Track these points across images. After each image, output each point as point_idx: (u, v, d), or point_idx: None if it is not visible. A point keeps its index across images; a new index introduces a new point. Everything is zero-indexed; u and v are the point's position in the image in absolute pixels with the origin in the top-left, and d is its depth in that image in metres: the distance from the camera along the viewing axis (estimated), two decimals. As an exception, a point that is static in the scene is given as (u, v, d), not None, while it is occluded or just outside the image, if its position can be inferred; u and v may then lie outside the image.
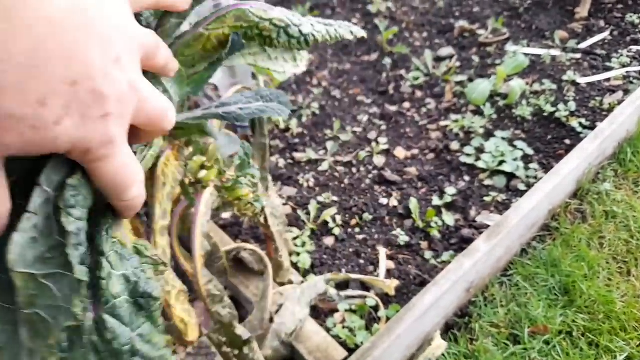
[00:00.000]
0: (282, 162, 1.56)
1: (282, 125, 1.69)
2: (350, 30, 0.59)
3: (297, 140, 1.63)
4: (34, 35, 0.23)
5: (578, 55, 1.75)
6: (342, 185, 1.43)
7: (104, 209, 0.31)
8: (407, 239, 1.24)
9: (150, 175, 0.62)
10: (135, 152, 0.41)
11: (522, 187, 1.31)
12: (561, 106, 1.52)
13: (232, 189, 0.77)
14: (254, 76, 1.46)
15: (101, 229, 0.30)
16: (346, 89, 1.83)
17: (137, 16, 0.41)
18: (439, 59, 1.87)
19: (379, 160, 1.48)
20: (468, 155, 1.42)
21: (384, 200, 1.36)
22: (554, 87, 1.61)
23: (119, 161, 0.28)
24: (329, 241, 1.29)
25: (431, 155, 1.47)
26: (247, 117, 0.52)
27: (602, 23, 1.92)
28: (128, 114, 0.28)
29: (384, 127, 1.62)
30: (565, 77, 1.64)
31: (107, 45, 0.26)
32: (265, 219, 0.99)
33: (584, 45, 1.81)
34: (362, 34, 0.62)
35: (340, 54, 2.03)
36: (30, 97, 0.23)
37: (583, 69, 1.69)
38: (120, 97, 0.27)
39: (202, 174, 0.71)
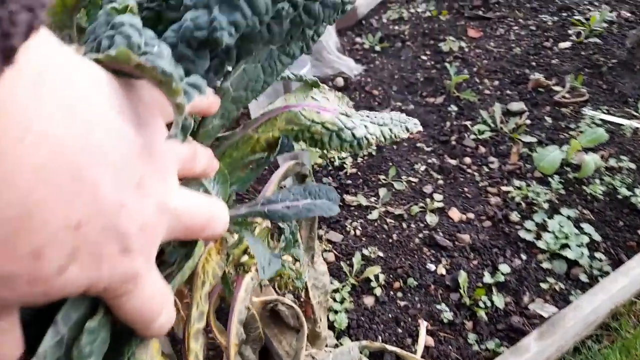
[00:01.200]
0: (331, 203, 1.52)
1: (337, 163, 1.65)
2: (405, 126, 0.55)
3: (349, 181, 1.59)
4: (23, 180, 0.18)
5: (663, 132, 1.62)
6: (390, 240, 1.38)
7: (127, 332, 0.28)
8: (451, 315, 1.18)
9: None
10: (173, 262, 0.38)
11: (584, 277, 1.22)
12: (638, 191, 1.40)
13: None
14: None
15: (124, 357, 0.28)
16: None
17: None
18: (508, 113, 1.78)
19: (432, 218, 1.42)
20: (528, 230, 1.34)
21: (431, 266, 1.30)
22: (633, 166, 1.50)
23: (146, 294, 0.25)
24: (368, 301, 1.24)
25: (488, 223, 1.40)
26: (294, 216, 0.49)
27: (693, 97, 1.78)
28: (157, 240, 0.25)
29: (441, 182, 1.55)
30: (644, 156, 1.52)
31: (122, 171, 0.22)
32: (306, 290, 0.95)
33: (670, 119, 1.68)
34: (419, 128, 0.57)
35: (405, 92, 1.97)
36: (21, 251, 0.19)
37: (666, 148, 1.57)
38: (145, 225, 0.23)
39: (245, 258, 0.68)
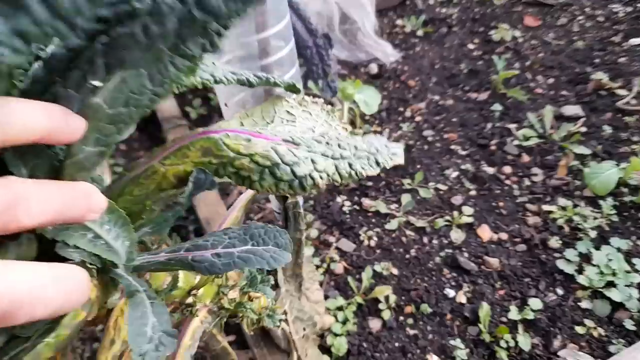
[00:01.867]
0: (347, 206, 1.38)
1: (359, 160, 1.50)
2: (375, 159, 0.41)
3: (370, 183, 1.44)
4: None
5: None
6: (407, 256, 1.23)
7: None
8: (465, 353, 1.03)
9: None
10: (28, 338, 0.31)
11: (630, 324, 1.03)
12: None
13: (236, 312, 0.61)
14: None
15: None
16: (441, 131, 1.59)
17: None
18: (560, 118, 1.57)
19: (458, 235, 1.26)
20: (568, 261, 1.15)
21: (450, 292, 1.14)
22: None
23: None
24: (374, 324, 1.11)
25: (522, 247, 1.22)
26: (224, 268, 0.37)
27: None
28: None
29: (473, 192, 1.37)
30: None
31: None
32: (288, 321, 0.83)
33: None
34: (398, 161, 0.44)
35: (445, 85, 1.78)
36: None
37: None
38: None
39: (191, 299, 0.55)
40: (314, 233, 1.30)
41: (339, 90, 1.46)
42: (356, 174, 0.39)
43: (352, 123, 1.54)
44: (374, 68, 1.86)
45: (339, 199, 1.40)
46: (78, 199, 0.27)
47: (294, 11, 1.43)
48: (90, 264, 0.33)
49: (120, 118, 0.28)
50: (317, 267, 1.21)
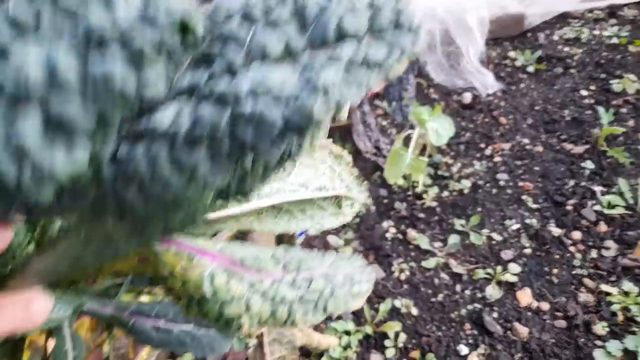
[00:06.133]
0: (391, 233, 1.36)
1: (420, 189, 1.46)
2: (324, 305, 0.35)
3: (422, 215, 1.39)
4: None
5: None
6: (433, 300, 1.18)
7: None
8: (456, 418, 0.96)
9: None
10: None
11: None
12: None
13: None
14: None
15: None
16: (517, 177, 1.48)
17: None
18: (662, 192, 1.37)
19: (494, 292, 1.17)
20: (609, 353, 1.02)
21: (463, 349, 1.07)
22: None
23: None
24: (375, 359, 1.08)
25: (561, 323, 1.10)
26: (159, 344, 0.37)
27: None
28: None
29: (528, 251, 1.26)
30: None
31: None
32: (261, 347, 0.83)
33: None
34: (357, 306, 0.37)
35: (540, 129, 1.64)
36: None
37: None
38: None
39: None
40: (347, 251, 1.30)
41: (413, 114, 1.43)
42: (293, 322, 0.34)
43: (423, 150, 1.50)
44: (467, 97, 1.78)
45: (385, 224, 1.38)
46: (16, 311, 0.25)
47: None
48: None
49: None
50: (340, 285, 1.21)
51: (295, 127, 0.19)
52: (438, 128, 1.42)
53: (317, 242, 1.33)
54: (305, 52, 0.21)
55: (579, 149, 1.54)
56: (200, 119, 0.19)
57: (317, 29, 0.21)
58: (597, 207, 1.34)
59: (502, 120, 1.68)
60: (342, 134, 1.66)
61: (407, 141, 1.43)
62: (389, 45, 0.22)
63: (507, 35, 2.07)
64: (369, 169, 1.56)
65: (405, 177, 1.48)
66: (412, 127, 1.48)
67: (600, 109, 1.56)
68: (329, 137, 1.56)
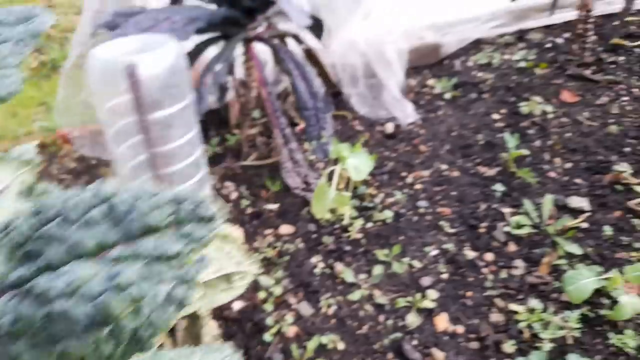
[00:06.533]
0: (320, 268, 1.41)
1: (346, 222, 1.53)
2: None
3: (348, 248, 1.46)
4: None
5: None
6: (358, 332, 1.24)
7: None
8: None
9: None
10: None
11: None
12: (683, 362, 1.08)
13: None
14: None
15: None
16: (436, 203, 1.57)
17: None
18: (564, 209, 1.49)
19: (414, 320, 1.24)
20: (515, 371, 1.10)
21: (386, 379, 1.14)
22: (692, 324, 1.16)
23: None
24: (304, 396, 1.13)
25: (474, 345, 1.18)
26: None
27: None
28: None
29: (445, 276, 1.35)
30: None
31: None
32: None
33: None
34: None
35: (458, 154, 1.75)
36: None
37: None
38: None
39: None
40: (278, 290, 1.35)
41: (334, 151, 1.50)
42: None
43: (349, 183, 1.57)
44: (390, 127, 1.88)
45: (314, 259, 1.44)
46: None
47: (299, 72, 1.50)
48: None
49: None
50: (270, 327, 1.26)
51: (97, 322, 0.24)
52: (358, 164, 1.50)
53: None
54: (117, 246, 0.26)
55: (492, 172, 1.66)
56: (20, 316, 0.24)
57: (126, 225, 0.26)
58: (507, 228, 1.45)
59: (422, 148, 1.78)
60: (270, 171, 1.71)
61: (332, 176, 1.50)
62: (187, 237, 0.27)
63: (426, 63, 2.19)
64: (298, 205, 1.61)
65: (332, 211, 1.55)
66: (336, 162, 1.55)
67: (506, 134, 1.69)
68: (257, 175, 1.61)
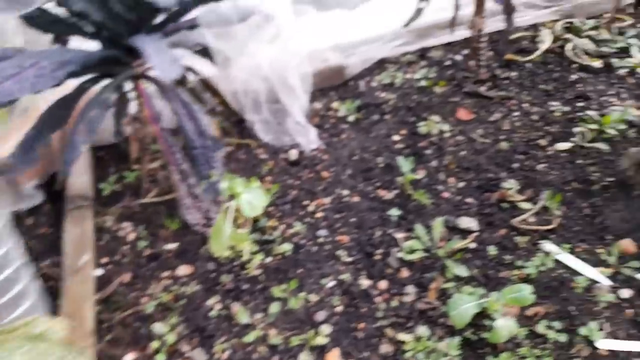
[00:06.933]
0: (216, 309, 1.39)
1: (245, 257, 1.51)
2: None
3: (247, 286, 1.45)
4: None
5: (627, 294, 1.32)
6: (251, 376, 1.23)
7: None
8: None
9: None
10: None
11: None
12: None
13: None
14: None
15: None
16: (335, 231, 1.59)
17: None
18: (454, 230, 1.55)
19: (306, 359, 1.25)
20: (399, 404, 1.13)
21: None
22: (563, 339, 1.23)
23: None
24: None
25: (363, 379, 1.20)
26: None
27: (690, 248, 1.44)
28: None
29: (339, 309, 1.37)
30: (583, 330, 1.24)
31: None
32: None
33: (647, 276, 1.37)
34: None
35: (360, 178, 1.78)
36: None
37: (625, 321, 1.27)
38: None
39: None
40: (172, 338, 1.32)
41: (228, 188, 1.49)
42: None
43: (246, 220, 1.56)
44: (294, 154, 1.88)
45: (211, 300, 1.42)
46: None
47: (186, 111, 1.47)
48: None
49: None
50: (160, 378, 1.22)
51: None
52: (252, 199, 1.48)
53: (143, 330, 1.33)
54: None
55: (390, 195, 1.70)
56: None
57: None
58: (400, 254, 1.48)
59: (325, 174, 1.80)
60: (170, 208, 1.67)
61: (228, 213, 1.48)
62: None
63: (331, 85, 2.21)
64: (198, 242, 1.59)
65: (232, 247, 1.53)
66: (232, 197, 1.54)
67: (401, 158, 1.73)
68: (156, 213, 1.56)
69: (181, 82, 1.72)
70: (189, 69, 1.71)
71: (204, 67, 1.83)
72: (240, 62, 2.01)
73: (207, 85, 1.84)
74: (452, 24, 2.06)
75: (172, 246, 1.58)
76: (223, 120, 1.98)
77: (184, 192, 1.62)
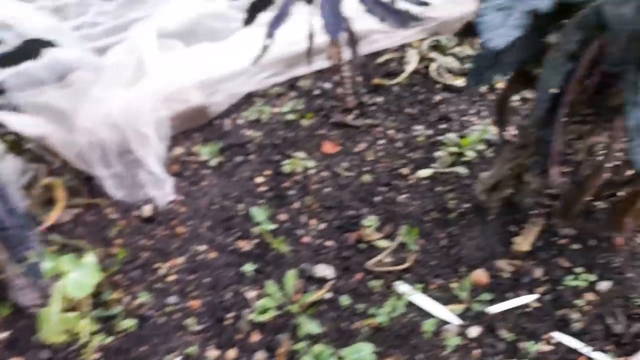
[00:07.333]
0: (44, 409, 1.23)
1: (84, 339, 1.37)
2: None
3: (81, 375, 1.30)
4: None
5: (474, 332, 1.31)
6: None
7: None
8: None
9: None
10: None
11: None
12: None
13: None
14: None
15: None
16: (186, 296, 1.48)
17: None
18: (310, 280, 1.48)
19: None
20: None
21: None
22: (407, 396, 1.19)
23: None
24: None
25: None
26: None
27: (538, 272, 1.45)
28: None
29: (181, 390, 1.25)
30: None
31: None
32: None
33: (496, 308, 1.36)
34: None
35: (220, 230, 1.67)
36: None
37: (471, 360, 1.25)
38: None
39: None
40: None
41: (52, 269, 1.34)
42: None
43: (81, 301, 1.41)
44: (147, 210, 1.75)
45: (39, 399, 1.26)
46: None
47: (-6, 188, 1.31)
48: None
49: None
50: None
51: None
52: (81, 277, 1.34)
53: None
54: None
55: (250, 246, 1.61)
56: None
57: None
58: (252, 316, 1.39)
59: (181, 230, 1.68)
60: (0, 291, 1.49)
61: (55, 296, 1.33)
62: None
63: (195, 126, 2.10)
64: (32, 328, 1.41)
65: (68, 330, 1.38)
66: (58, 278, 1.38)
67: (254, 209, 1.64)
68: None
69: None
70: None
71: (38, 125, 1.67)
72: (85, 111, 1.86)
73: (42, 145, 1.68)
74: (309, 54, 2.01)
75: (2, 336, 1.40)
76: (70, 179, 1.81)
77: (14, 272, 1.45)
